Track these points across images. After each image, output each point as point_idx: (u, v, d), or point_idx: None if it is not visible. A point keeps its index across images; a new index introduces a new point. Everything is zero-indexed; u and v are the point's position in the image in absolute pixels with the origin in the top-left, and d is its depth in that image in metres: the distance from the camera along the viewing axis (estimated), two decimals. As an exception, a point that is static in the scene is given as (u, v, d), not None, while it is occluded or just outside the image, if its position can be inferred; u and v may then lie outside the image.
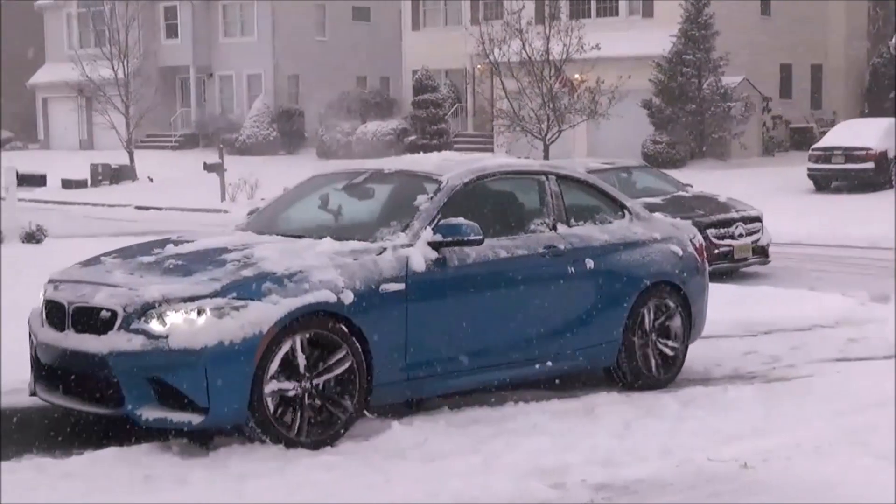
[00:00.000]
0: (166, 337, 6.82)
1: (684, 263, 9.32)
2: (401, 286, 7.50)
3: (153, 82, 47.79)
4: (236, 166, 35.00)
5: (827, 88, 44.40)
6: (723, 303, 12.01)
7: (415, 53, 45.95)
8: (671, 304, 9.16)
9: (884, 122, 30.68)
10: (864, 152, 29.10)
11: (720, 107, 36.39)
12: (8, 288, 11.53)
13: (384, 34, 52.39)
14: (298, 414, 7.05)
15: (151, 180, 40.39)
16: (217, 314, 6.84)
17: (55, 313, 7.42)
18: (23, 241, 17.56)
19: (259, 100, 50.05)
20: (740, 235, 16.11)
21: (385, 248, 7.61)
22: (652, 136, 36.76)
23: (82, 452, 6.81)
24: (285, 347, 6.95)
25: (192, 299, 6.92)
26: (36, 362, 7.61)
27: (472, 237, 7.77)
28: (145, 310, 6.94)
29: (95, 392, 7.08)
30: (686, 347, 9.33)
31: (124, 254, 7.97)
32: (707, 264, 9.81)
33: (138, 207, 33.03)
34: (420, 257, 7.62)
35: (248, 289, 6.98)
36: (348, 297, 7.18)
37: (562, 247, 8.52)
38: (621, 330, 8.81)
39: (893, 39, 42.84)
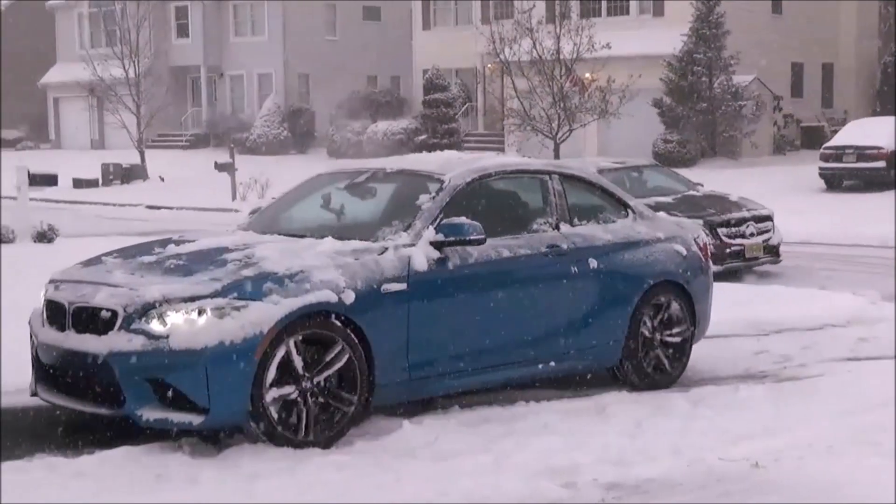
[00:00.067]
0: (167, 337, 6.79)
1: (688, 263, 9.27)
2: (402, 286, 7.46)
3: (164, 82, 47.84)
4: (247, 166, 35.02)
5: (838, 87, 44.31)
6: (734, 302, 12.01)
7: (425, 53, 45.95)
8: (675, 304, 9.11)
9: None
10: (875, 151, 29.03)
11: (731, 106, 36.33)
12: (23, 287, 11.53)
13: (395, 33, 52.41)
14: (303, 414, 7.02)
15: (162, 180, 40.44)
16: (218, 314, 6.81)
17: (56, 313, 7.40)
18: (34, 241, 17.61)
19: (270, 99, 50.12)
20: (751, 234, 16.08)
21: (387, 248, 7.57)
22: (663, 135, 36.70)
23: (93, 452, 6.79)
24: (286, 348, 6.91)
25: (192, 299, 6.88)
26: (37, 362, 7.59)
27: (474, 237, 7.73)
28: (146, 310, 6.91)
29: (96, 392, 7.05)
30: (690, 347, 9.27)
31: (125, 254, 7.93)
32: (711, 263, 9.74)
33: (149, 207, 33.06)
34: (422, 257, 7.58)
35: (249, 289, 6.94)
36: (349, 297, 7.14)
37: (565, 246, 8.48)
38: (625, 330, 8.76)
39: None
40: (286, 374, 6.95)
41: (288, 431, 6.96)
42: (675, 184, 17.46)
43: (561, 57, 32.44)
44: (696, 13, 36.28)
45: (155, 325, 6.87)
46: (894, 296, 12.94)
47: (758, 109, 36.79)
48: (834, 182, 29.73)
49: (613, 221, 9.05)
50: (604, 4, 40.11)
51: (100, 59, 42.07)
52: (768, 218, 16.54)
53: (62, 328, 7.29)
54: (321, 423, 7.08)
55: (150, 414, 6.84)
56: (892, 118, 31.39)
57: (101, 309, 7.05)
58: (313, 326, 7.04)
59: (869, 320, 11.92)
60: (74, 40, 55.30)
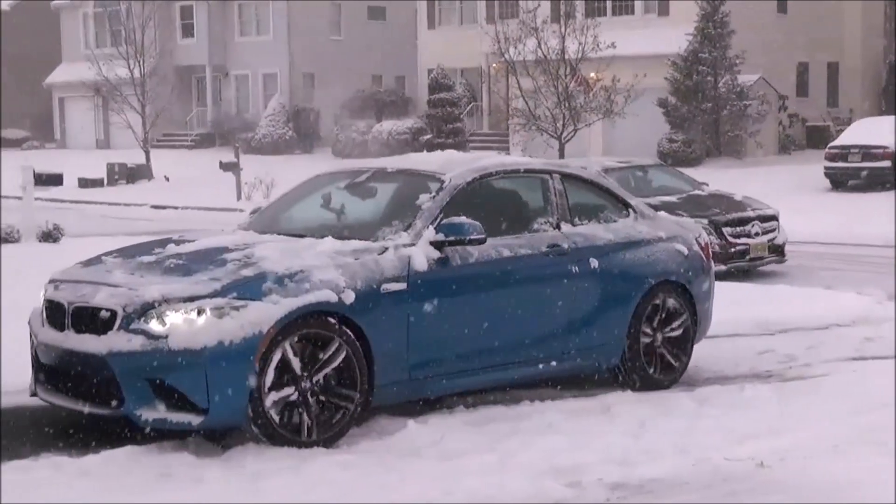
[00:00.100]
0: (166, 337, 6.77)
1: (690, 262, 9.23)
2: (402, 286, 7.43)
3: (169, 81, 47.93)
4: (252, 165, 35.05)
5: (843, 87, 44.27)
6: (738, 301, 12.01)
7: (430, 52, 45.98)
8: (676, 304, 9.07)
9: (901, 120, 30.57)
10: (881, 150, 28.97)
11: (736, 105, 36.31)
12: (23, 287, 11.53)
13: (399, 33, 52.40)
14: (303, 415, 7.00)
15: (167, 179, 40.49)
16: (217, 314, 6.79)
17: (55, 313, 7.38)
18: (39, 241, 17.64)
19: (274, 99, 50.18)
20: (756, 234, 16.06)
21: (387, 248, 7.54)
22: (668, 134, 36.68)
23: (98, 451, 6.78)
24: (286, 348, 6.89)
25: (191, 299, 6.86)
26: (36, 362, 7.58)
27: (474, 236, 7.70)
28: (145, 310, 6.89)
29: (95, 392, 7.03)
30: (692, 347, 9.24)
31: (125, 253, 7.91)
32: (712, 263, 9.70)
33: (154, 206, 33.10)
34: (422, 257, 7.55)
35: (249, 289, 6.92)
36: (349, 297, 7.12)
37: (565, 246, 8.46)
38: (625, 330, 8.73)
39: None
40: (286, 374, 6.93)
41: (288, 431, 6.94)
42: (680, 183, 17.46)
43: (566, 56, 32.42)
44: (702, 12, 36.26)
45: (154, 325, 6.85)
46: (895, 295, 12.90)
47: (763, 109, 36.75)
48: (839, 181, 29.66)
49: (614, 221, 9.01)
50: (609, 4, 40.08)
51: (105, 58, 42.12)
52: (773, 217, 16.52)
53: (62, 328, 7.28)
54: (321, 422, 7.06)
55: (149, 414, 6.82)
56: (898, 118, 31.37)
57: (100, 309, 7.03)
58: (313, 326, 7.02)
59: (874, 320, 11.90)
60: (79, 40, 55.38)
